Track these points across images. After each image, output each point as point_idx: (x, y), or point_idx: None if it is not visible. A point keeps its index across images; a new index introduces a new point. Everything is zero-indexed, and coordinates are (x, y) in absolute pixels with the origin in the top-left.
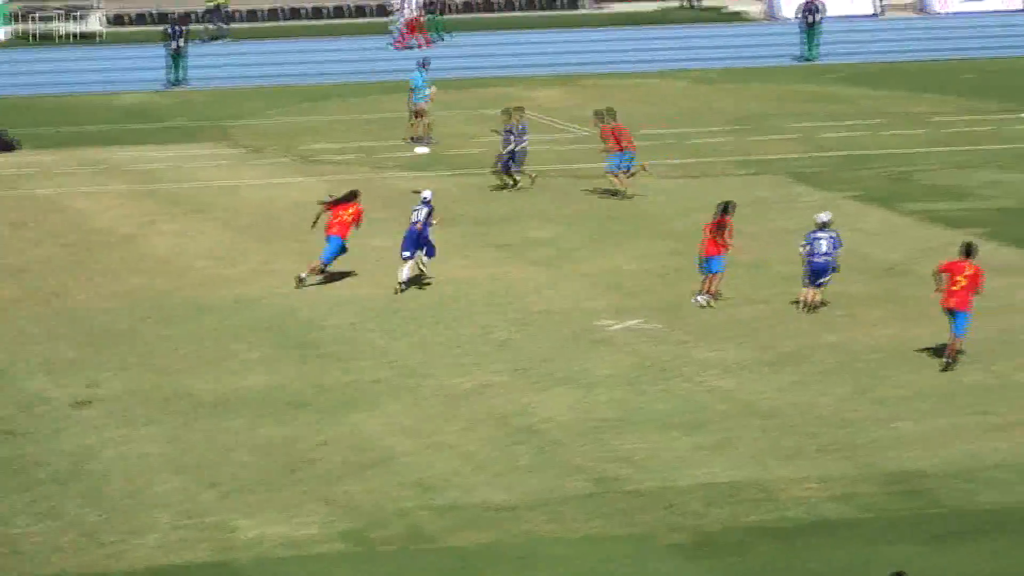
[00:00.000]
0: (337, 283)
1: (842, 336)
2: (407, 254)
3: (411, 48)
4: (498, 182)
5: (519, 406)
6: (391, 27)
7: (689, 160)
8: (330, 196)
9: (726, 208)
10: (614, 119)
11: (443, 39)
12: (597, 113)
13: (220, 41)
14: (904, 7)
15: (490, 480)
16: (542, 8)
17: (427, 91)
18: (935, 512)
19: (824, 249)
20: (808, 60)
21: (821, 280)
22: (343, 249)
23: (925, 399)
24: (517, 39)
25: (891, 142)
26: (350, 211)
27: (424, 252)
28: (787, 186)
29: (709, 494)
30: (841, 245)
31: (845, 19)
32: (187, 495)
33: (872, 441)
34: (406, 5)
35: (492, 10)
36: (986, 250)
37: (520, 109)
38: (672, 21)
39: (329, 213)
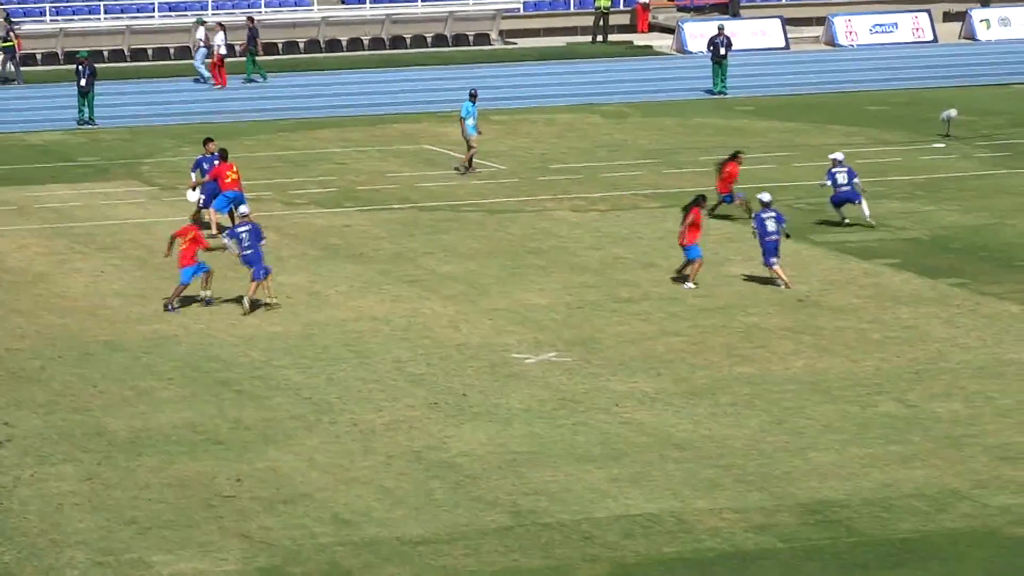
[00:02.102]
0: (251, 320)
1: (756, 368)
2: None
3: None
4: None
5: (435, 440)
6: (196, 66)
7: (602, 193)
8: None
9: (698, 201)
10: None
11: (257, 80)
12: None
13: (11, 85)
14: (813, 40)
15: (407, 514)
16: (452, 44)
17: (471, 121)
18: (852, 541)
19: (772, 228)
20: (718, 94)
21: (775, 259)
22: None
23: (839, 429)
24: (428, 75)
25: (801, 174)
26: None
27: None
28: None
29: (626, 526)
30: (785, 220)
31: (754, 52)
32: (104, 532)
33: (788, 471)
34: (217, 43)
35: (399, 47)
36: (896, 281)
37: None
38: (583, 56)
39: (179, 240)
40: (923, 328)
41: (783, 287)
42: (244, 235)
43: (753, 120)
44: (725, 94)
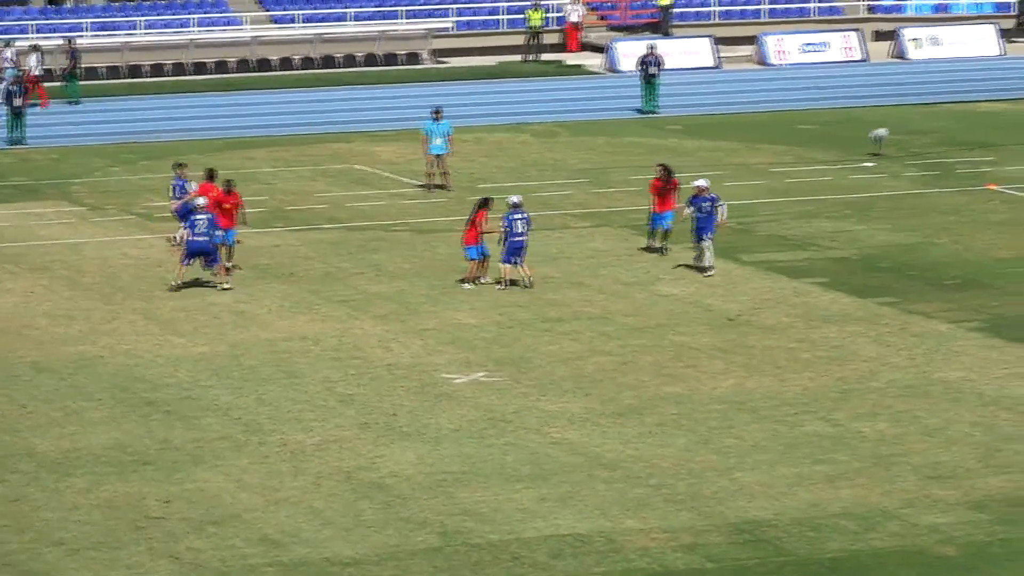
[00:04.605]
0: (178, 340)
1: (684, 387)
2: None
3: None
4: None
5: (365, 461)
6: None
7: (532, 213)
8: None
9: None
10: None
11: (75, 103)
12: None
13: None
14: (743, 59)
15: (337, 535)
16: (383, 64)
17: (437, 140)
18: (780, 561)
19: (520, 229)
20: (648, 113)
21: (516, 259)
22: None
23: (767, 449)
24: (359, 95)
25: (731, 193)
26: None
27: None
28: (629, 239)
29: (555, 546)
30: (530, 223)
31: (684, 71)
32: (32, 554)
33: (716, 491)
34: (34, 63)
35: (330, 66)
36: (825, 300)
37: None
38: (513, 75)
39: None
40: (851, 347)
41: (527, 284)
42: (200, 222)
43: (683, 139)
44: (656, 113)
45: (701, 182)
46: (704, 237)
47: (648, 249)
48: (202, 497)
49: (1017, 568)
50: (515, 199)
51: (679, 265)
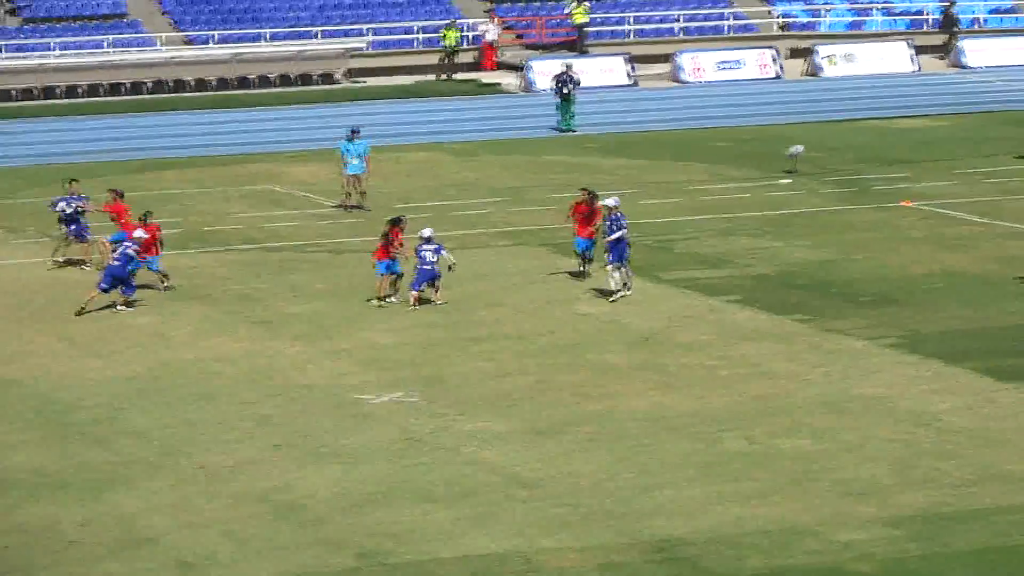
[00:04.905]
0: (95, 363)
1: (602, 405)
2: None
3: None
4: None
5: (281, 482)
6: None
7: (451, 232)
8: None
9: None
10: None
11: None
12: None
13: None
14: (659, 77)
15: (253, 557)
16: (299, 84)
17: (354, 160)
18: None
19: (430, 258)
20: (564, 131)
21: (424, 282)
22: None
23: (685, 467)
24: (274, 115)
25: (649, 211)
26: None
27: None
28: (547, 257)
29: (472, 566)
30: (443, 251)
31: (601, 90)
32: None
33: (634, 510)
34: None
35: (246, 86)
36: (741, 318)
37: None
38: (430, 94)
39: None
40: (769, 364)
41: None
42: (124, 247)
43: (600, 157)
44: (573, 131)
45: (610, 200)
46: (613, 261)
47: (571, 274)
48: (118, 520)
49: None
50: (427, 232)
51: (596, 287)
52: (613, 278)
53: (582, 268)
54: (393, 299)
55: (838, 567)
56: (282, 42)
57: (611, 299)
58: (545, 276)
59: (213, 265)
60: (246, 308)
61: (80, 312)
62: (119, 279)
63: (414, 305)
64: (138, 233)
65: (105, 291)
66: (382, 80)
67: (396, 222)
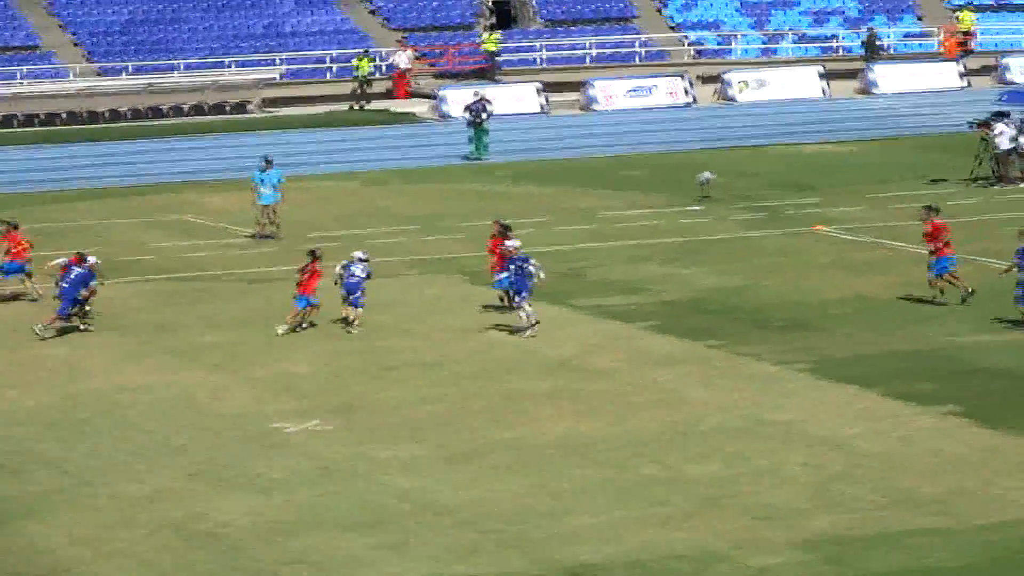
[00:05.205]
0: (10, 393)
1: (516, 432)
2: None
3: None
4: None
5: (196, 511)
6: None
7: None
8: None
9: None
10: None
11: None
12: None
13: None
14: (571, 104)
15: None
16: (212, 113)
17: (267, 190)
18: None
19: (359, 273)
20: (477, 159)
21: (355, 297)
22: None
23: (599, 493)
24: (188, 145)
25: (561, 238)
26: None
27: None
28: (459, 285)
29: None
30: (370, 274)
31: (513, 117)
32: None
33: (548, 535)
34: None
35: (159, 116)
36: (655, 343)
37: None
38: (342, 123)
39: None
40: (682, 390)
41: (352, 329)
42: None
43: (511, 185)
44: (485, 159)
45: (509, 243)
46: (522, 296)
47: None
48: (31, 552)
49: None
50: (360, 254)
51: (510, 318)
52: (523, 314)
53: (505, 304)
54: (303, 326)
55: None
56: (195, 72)
57: (523, 336)
58: (459, 304)
59: (128, 295)
60: (161, 338)
61: (41, 338)
62: (77, 300)
63: (353, 321)
64: (90, 259)
65: (64, 314)
66: (296, 109)
67: (313, 256)
